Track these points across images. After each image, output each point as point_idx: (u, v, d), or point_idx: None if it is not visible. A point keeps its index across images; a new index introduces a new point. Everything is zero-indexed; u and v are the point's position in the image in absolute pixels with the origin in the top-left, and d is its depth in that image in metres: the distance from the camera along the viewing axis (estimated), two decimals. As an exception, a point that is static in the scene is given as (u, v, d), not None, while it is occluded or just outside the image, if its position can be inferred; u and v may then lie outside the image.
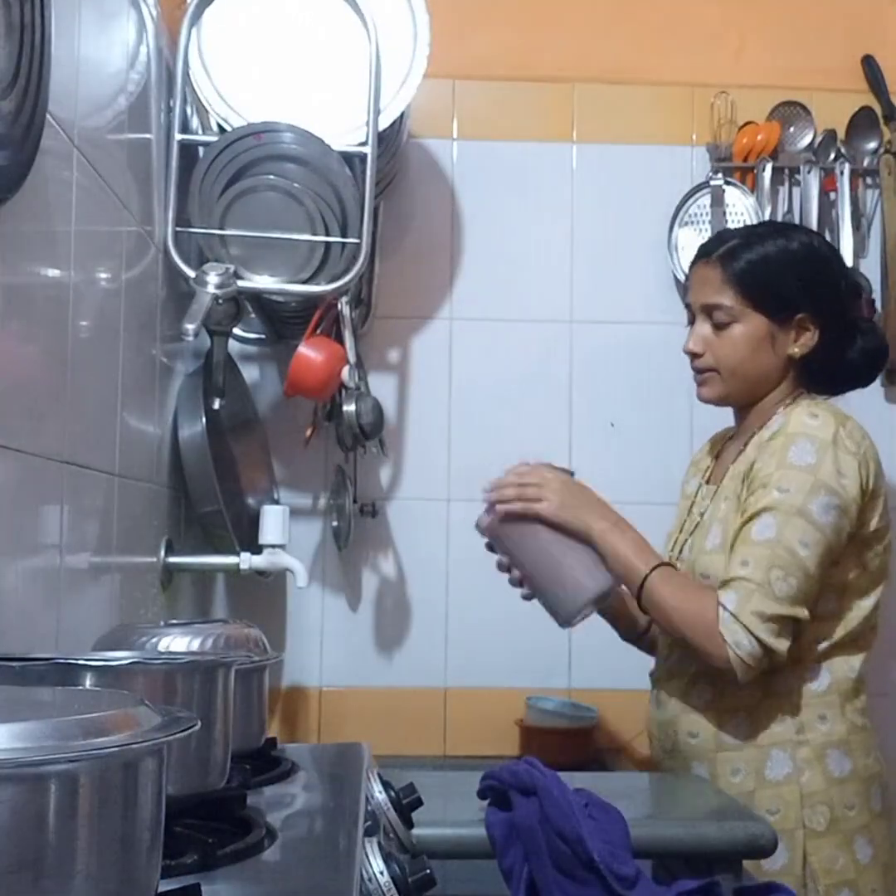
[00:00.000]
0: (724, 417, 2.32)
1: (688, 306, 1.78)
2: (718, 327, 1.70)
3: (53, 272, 1.27)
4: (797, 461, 1.58)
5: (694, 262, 1.78)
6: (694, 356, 1.74)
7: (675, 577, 1.65)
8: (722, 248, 1.72)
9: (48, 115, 1.14)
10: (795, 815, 1.61)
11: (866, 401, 2.35)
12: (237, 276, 1.77)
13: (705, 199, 2.34)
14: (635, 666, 1.87)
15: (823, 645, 1.64)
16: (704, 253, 1.75)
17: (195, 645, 1.12)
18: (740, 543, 1.59)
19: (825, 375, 1.74)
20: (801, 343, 1.69)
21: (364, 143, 1.81)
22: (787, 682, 1.64)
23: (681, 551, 1.76)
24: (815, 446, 1.59)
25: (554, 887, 1.24)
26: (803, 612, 1.56)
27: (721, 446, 1.84)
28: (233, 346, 2.07)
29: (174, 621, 1.31)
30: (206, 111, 1.86)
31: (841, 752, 1.64)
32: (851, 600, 1.66)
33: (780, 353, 1.70)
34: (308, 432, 2.13)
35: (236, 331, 2.03)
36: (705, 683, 1.67)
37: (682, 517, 1.83)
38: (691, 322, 1.76)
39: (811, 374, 1.73)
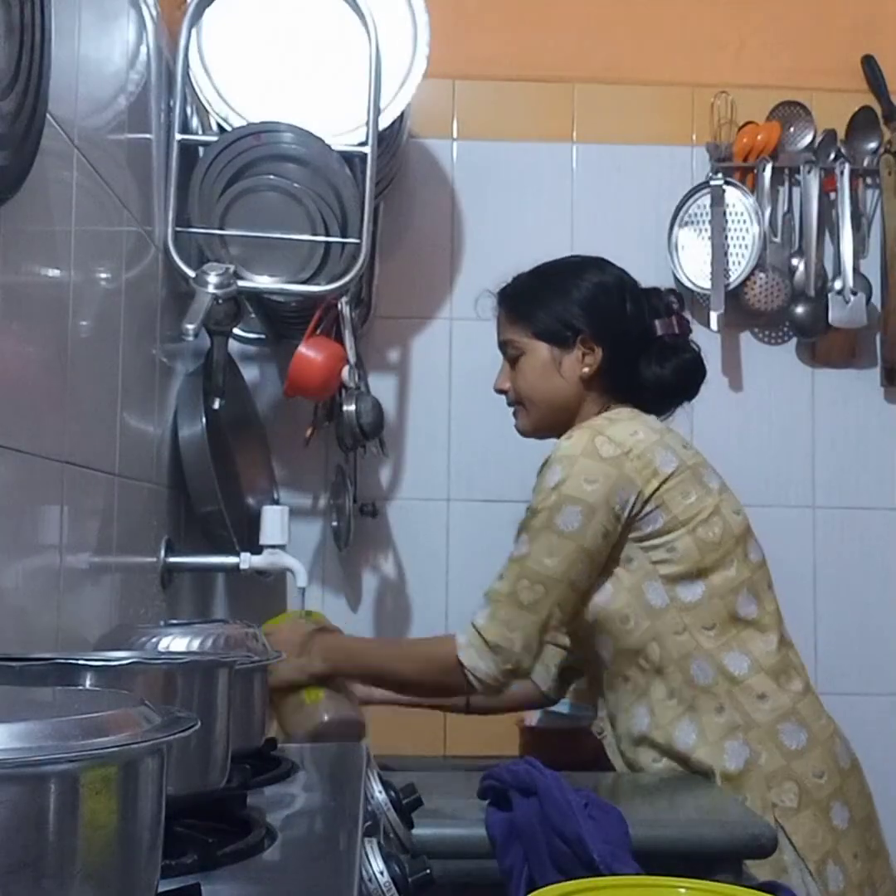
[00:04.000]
0: (722, 411, 2.31)
1: None
2: (513, 362, 1.84)
3: (53, 272, 1.27)
4: (547, 483, 1.69)
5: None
6: (502, 393, 1.87)
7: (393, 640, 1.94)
8: (507, 290, 1.88)
9: (48, 115, 1.14)
10: (761, 798, 1.62)
11: (866, 401, 2.36)
12: (237, 276, 1.77)
13: (705, 199, 2.33)
14: (635, 666, 1.87)
15: (714, 630, 1.68)
16: (498, 296, 1.89)
17: (195, 645, 1.12)
18: (506, 561, 1.72)
19: (631, 392, 1.81)
20: (588, 363, 1.79)
21: (364, 143, 1.81)
22: (707, 675, 1.67)
23: None
24: (563, 465, 1.69)
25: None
26: (554, 618, 1.68)
27: None
28: (233, 346, 2.07)
29: (174, 621, 1.31)
30: (206, 111, 1.86)
31: (793, 724, 1.67)
32: (712, 577, 1.69)
33: (570, 376, 1.79)
34: (308, 432, 2.13)
35: (236, 331, 2.03)
36: (639, 709, 1.71)
37: None
38: None
39: (617, 392, 1.81)
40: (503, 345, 1.87)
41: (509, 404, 1.88)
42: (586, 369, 1.79)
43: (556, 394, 1.81)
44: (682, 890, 0.79)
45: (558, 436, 1.81)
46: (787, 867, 1.57)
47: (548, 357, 1.80)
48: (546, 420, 1.84)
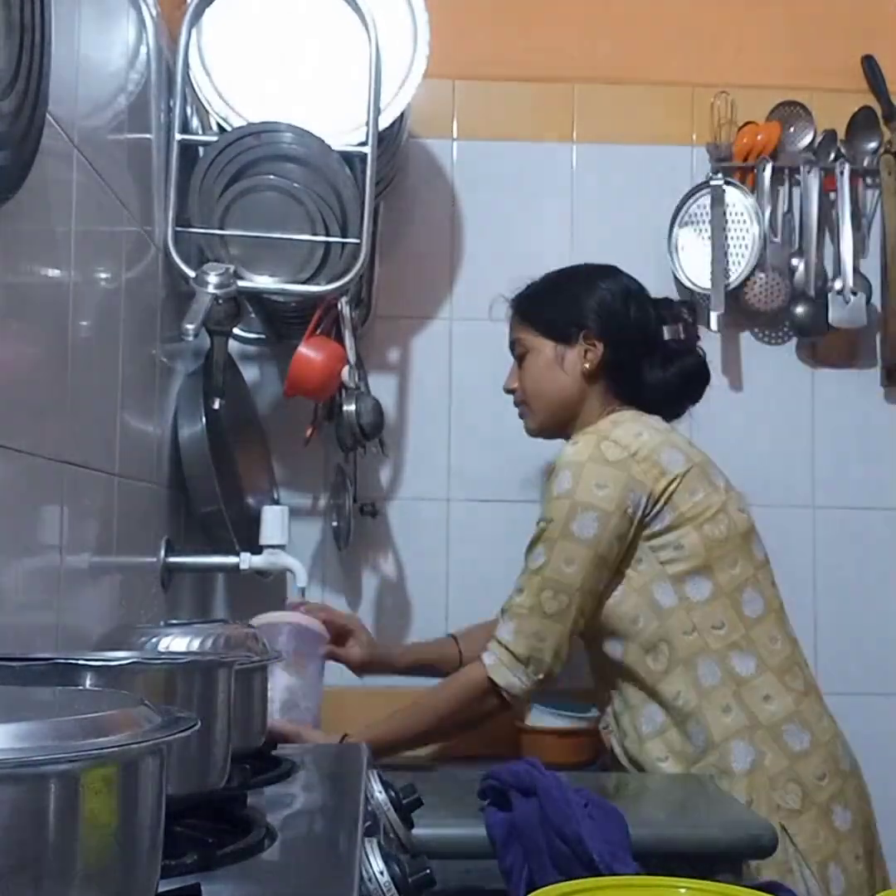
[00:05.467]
0: (724, 414, 2.31)
1: None
2: (520, 361, 1.88)
3: (53, 272, 1.27)
4: (558, 491, 1.70)
5: None
6: (510, 394, 1.91)
7: (418, 698, 1.82)
8: (519, 294, 1.92)
9: (48, 115, 1.14)
10: (767, 799, 1.62)
11: (866, 401, 2.36)
12: (237, 276, 1.77)
13: (705, 199, 2.33)
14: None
15: (723, 629, 1.69)
16: (511, 300, 1.93)
17: (195, 645, 1.12)
18: (520, 574, 1.73)
19: (635, 394, 1.83)
20: (589, 358, 1.82)
21: (364, 143, 1.81)
22: (714, 676, 1.68)
23: None
24: (571, 471, 1.70)
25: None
26: (579, 625, 1.70)
27: None
28: (233, 346, 2.07)
29: (174, 621, 1.31)
30: (206, 111, 1.86)
31: (796, 725, 1.68)
32: (719, 575, 1.70)
33: (573, 372, 1.83)
34: (308, 432, 2.13)
35: (236, 331, 2.03)
36: (647, 709, 1.72)
37: None
38: None
39: (620, 394, 1.83)
40: (511, 345, 1.91)
41: (516, 405, 1.91)
42: (587, 365, 1.82)
43: (559, 390, 1.84)
44: (682, 890, 0.79)
45: (565, 436, 1.84)
46: (790, 868, 1.58)
47: (551, 353, 1.84)
48: (551, 418, 1.87)
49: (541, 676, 1.70)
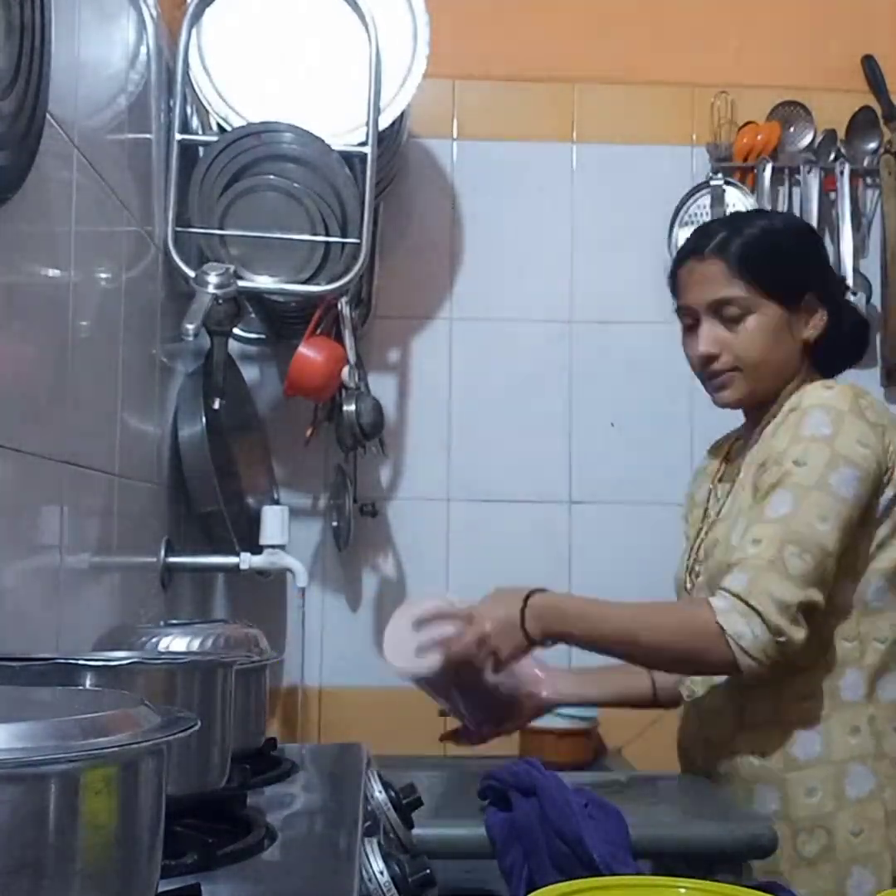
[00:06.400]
0: (725, 414, 2.31)
1: (681, 311, 1.64)
2: (731, 323, 1.59)
3: (53, 272, 1.27)
4: (812, 432, 1.47)
5: (682, 262, 1.64)
6: (709, 360, 1.60)
7: (634, 604, 1.54)
8: (714, 242, 1.60)
9: (48, 115, 1.14)
10: (881, 836, 1.48)
11: (866, 401, 2.36)
12: (237, 276, 1.77)
13: (705, 199, 2.34)
14: (635, 666, 1.86)
15: (885, 644, 1.52)
16: (696, 249, 1.62)
17: (195, 645, 1.12)
18: (754, 523, 1.47)
19: (828, 356, 1.65)
20: (813, 325, 1.61)
21: (364, 143, 1.81)
22: (857, 692, 1.52)
23: (696, 557, 1.64)
24: (831, 416, 1.48)
25: (554, 887, 1.24)
26: (818, 596, 1.42)
27: (728, 447, 1.75)
28: (233, 346, 2.07)
29: (174, 621, 1.31)
30: (206, 111, 1.86)
31: None
32: None
33: (798, 339, 1.60)
34: (308, 432, 2.13)
35: (236, 331, 2.03)
36: (763, 694, 1.52)
37: (696, 526, 1.69)
38: (688, 327, 1.63)
39: (817, 356, 1.64)
40: (718, 304, 1.58)
41: (714, 374, 1.61)
42: (812, 331, 1.60)
43: (785, 358, 1.60)
44: (682, 890, 0.79)
45: (763, 408, 1.63)
46: None
47: (779, 317, 1.58)
48: (765, 387, 1.61)
49: (781, 639, 1.39)
